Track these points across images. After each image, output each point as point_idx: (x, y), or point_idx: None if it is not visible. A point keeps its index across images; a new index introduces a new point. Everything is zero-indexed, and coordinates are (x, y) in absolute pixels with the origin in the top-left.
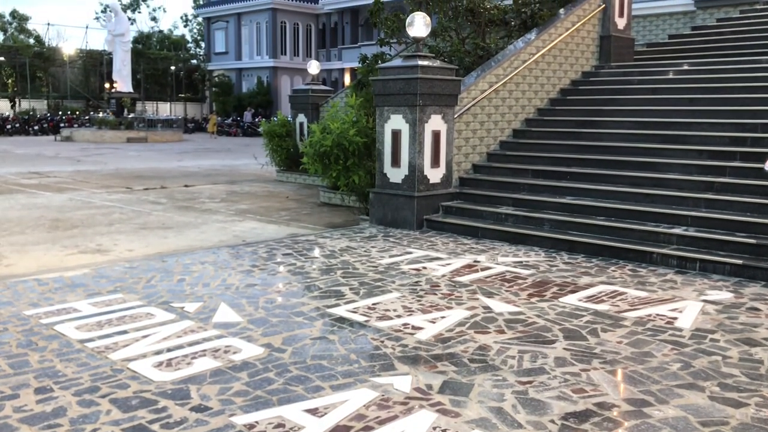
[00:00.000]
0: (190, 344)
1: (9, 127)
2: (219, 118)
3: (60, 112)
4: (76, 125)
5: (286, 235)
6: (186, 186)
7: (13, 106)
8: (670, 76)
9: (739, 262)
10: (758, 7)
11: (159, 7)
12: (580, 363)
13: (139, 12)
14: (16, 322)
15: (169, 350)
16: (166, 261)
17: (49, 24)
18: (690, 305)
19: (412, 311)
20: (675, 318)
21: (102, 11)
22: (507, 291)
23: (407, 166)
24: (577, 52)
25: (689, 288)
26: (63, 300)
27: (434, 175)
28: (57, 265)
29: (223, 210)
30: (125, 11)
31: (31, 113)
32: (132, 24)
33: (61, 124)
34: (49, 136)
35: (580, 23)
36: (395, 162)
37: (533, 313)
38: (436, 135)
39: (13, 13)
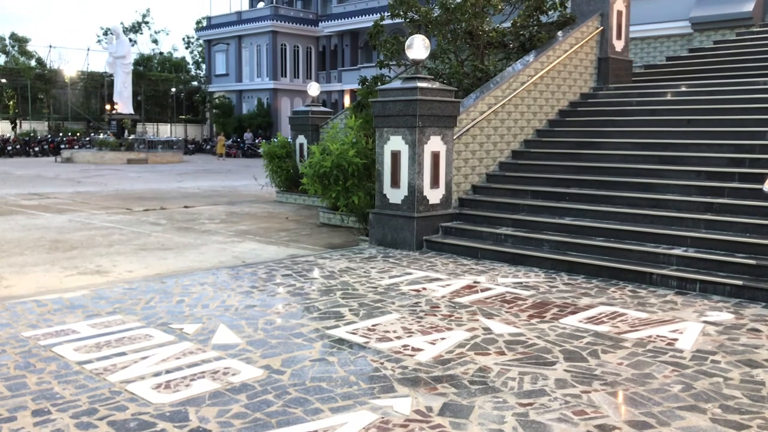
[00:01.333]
0: (189, 366)
1: (10, 148)
2: (227, 140)
3: (61, 134)
4: (76, 146)
5: (286, 256)
6: (186, 207)
7: (14, 128)
8: (668, 97)
9: (740, 282)
10: (755, 29)
11: (161, 30)
12: (580, 384)
13: (141, 34)
14: (14, 343)
15: (167, 372)
16: (165, 282)
17: (51, 46)
18: (690, 326)
19: (412, 332)
20: (675, 339)
21: (104, 34)
22: (507, 312)
23: (407, 186)
24: (575, 73)
25: (689, 309)
26: (62, 321)
27: (434, 196)
28: (56, 286)
29: (222, 231)
30: (127, 33)
31: (31, 135)
32: (133, 46)
33: (62, 146)
34: (49, 158)
35: (578, 45)
36: (395, 183)
37: (533, 334)
38: (435, 156)
39: (13, 36)
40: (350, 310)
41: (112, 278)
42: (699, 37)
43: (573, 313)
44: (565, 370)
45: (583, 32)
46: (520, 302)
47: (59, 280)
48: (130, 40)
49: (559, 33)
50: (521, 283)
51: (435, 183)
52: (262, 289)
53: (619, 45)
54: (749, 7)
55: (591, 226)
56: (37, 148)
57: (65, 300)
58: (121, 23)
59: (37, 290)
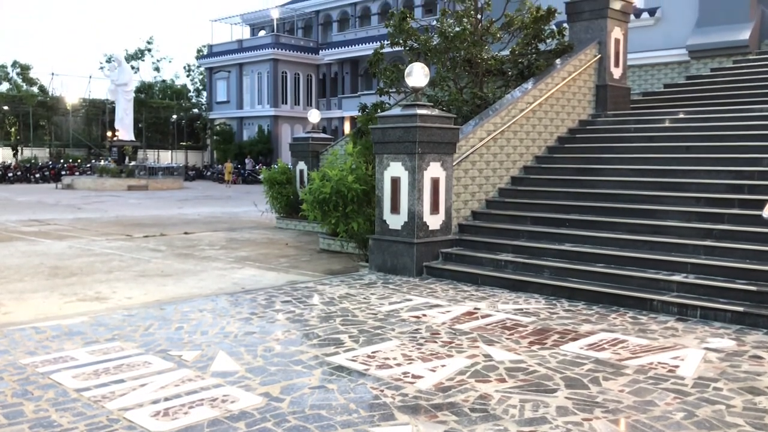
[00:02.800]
0: (188, 393)
1: (11, 175)
2: (220, 165)
3: (62, 160)
4: (77, 173)
5: (286, 282)
6: (186, 233)
7: (15, 155)
8: (667, 124)
9: (741, 309)
10: (751, 57)
11: (163, 58)
12: (582, 412)
13: (143, 61)
14: (12, 371)
15: (166, 399)
16: (164, 309)
17: (53, 74)
18: (692, 353)
19: (412, 359)
20: (677, 366)
21: (107, 61)
22: (508, 339)
23: (407, 212)
24: (573, 101)
25: (691, 335)
26: (60, 348)
27: (434, 222)
28: (55, 312)
29: (222, 257)
30: (130, 61)
31: (33, 161)
32: (136, 73)
33: (63, 172)
34: (50, 184)
35: (576, 73)
36: (395, 209)
37: (534, 361)
38: (435, 182)
39: (15, 63)
40: (350, 336)
41: (111, 305)
42: (696, 65)
43: (574, 339)
44: (566, 398)
45: (581, 60)
46: (520, 329)
47: (58, 307)
48: (133, 67)
49: (558, 61)
50: (522, 309)
51: (435, 209)
52: (261, 316)
53: (617, 72)
54: (746, 35)
55: (591, 252)
56: (38, 175)
57: (64, 327)
58: (125, 50)
59: (35, 317)
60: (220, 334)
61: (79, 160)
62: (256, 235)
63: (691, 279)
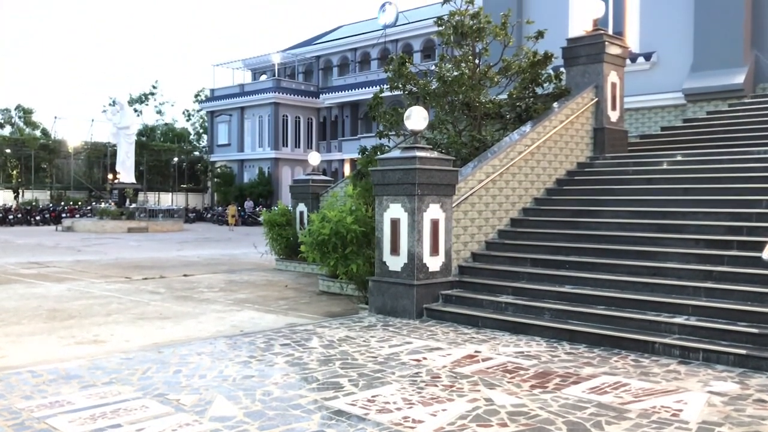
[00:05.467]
0: None
1: (11, 217)
2: (220, 207)
3: (62, 203)
4: (78, 215)
5: (285, 324)
6: (185, 275)
7: (16, 197)
8: (665, 166)
9: (743, 352)
10: (746, 100)
11: (166, 102)
12: None
13: (146, 105)
14: (7, 415)
15: None
16: (162, 352)
17: (56, 117)
18: (695, 397)
19: (413, 403)
20: (680, 410)
21: (111, 104)
22: (509, 382)
23: (406, 254)
24: (571, 143)
25: (693, 378)
26: (57, 392)
27: (433, 264)
28: (52, 356)
29: (221, 299)
30: (133, 104)
31: (33, 204)
32: (138, 116)
33: (63, 215)
34: (50, 227)
35: (573, 116)
36: (394, 250)
37: (536, 405)
38: (434, 223)
39: (18, 107)
40: (349, 380)
41: (109, 348)
42: (693, 108)
43: (576, 383)
44: None
45: (578, 103)
46: (522, 372)
47: (56, 350)
48: (136, 110)
49: (555, 104)
50: (523, 352)
51: (434, 250)
52: (260, 359)
53: (614, 115)
54: (740, 79)
55: (591, 294)
56: (38, 217)
57: (61, 370)
58: (129, 94)
59: (32, 360)
60: (218, 378)
61: (79, 203)
62: (255, 277)
63: (693, 321)
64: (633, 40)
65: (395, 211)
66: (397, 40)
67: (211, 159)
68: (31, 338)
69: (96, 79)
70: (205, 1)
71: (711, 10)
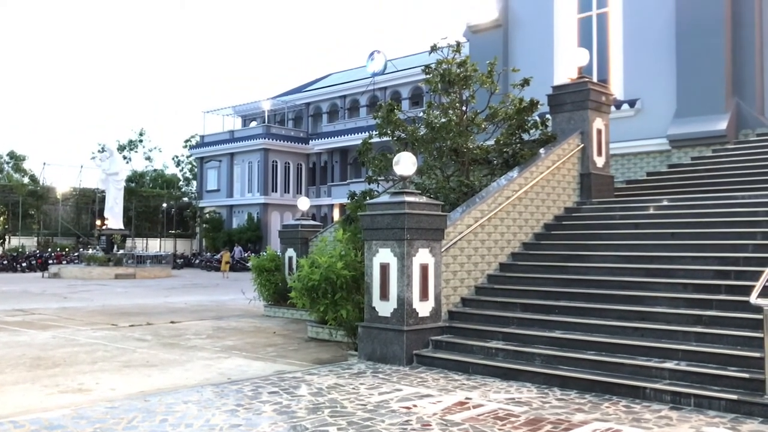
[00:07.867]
0: None
1: None
2: (217, 254)
3: (49, 249)
4: (65, 262)
5: (273, 372)
6: (172, 322)
7: (2, 243)
8: (651, 211)
9: (734, 397)
10: (729, 146)
11: (154, 148)
12: None
13: (136, 152)
14: None
15: None
16: (148, 400)
17: (45, 163)
18: None
19: None
20: None
21: (100, 150)
22: (500, 430)
23: (396, 299)
24: (558, 188)
25: (686, 425)
26: None
27: (423, 309)
28: (36, 405)
29: (208, 346)
30: (122, 151)
31: (20, 250)
32: (128, 163)
33: (50, 261)
34: (36, 273)
35: (560, 162)
36: (384, 295)
37: None
38: (424, 268)
39: (11, 154)
40: (338, 429)
41: (94, 396)
42: (677, 153)
43: (567, 429)
44: None
45: (564, 149)
46: (513, 419)
47: (39, 399)
48: (125, 157)
49: (542, 150)
50: (514, 398)
51: (424, 295)
52: (247, 407)
53: (600, 161)
54: (723, 125)
55: (581, 339)
56: (24, 264)
57: (44, 420)
58: (117, 141)
59: (14, 410)
60: (204, 427)
61: (67, 249)
62: (243, 324)
63: (683, 366)
64: (617, 88)
65: (384, 255)
66: (385, 88)
67: (201, 204)
68: (14, 387)
69: (86, 125)
70: (197, 49)
71: (693, 58)
